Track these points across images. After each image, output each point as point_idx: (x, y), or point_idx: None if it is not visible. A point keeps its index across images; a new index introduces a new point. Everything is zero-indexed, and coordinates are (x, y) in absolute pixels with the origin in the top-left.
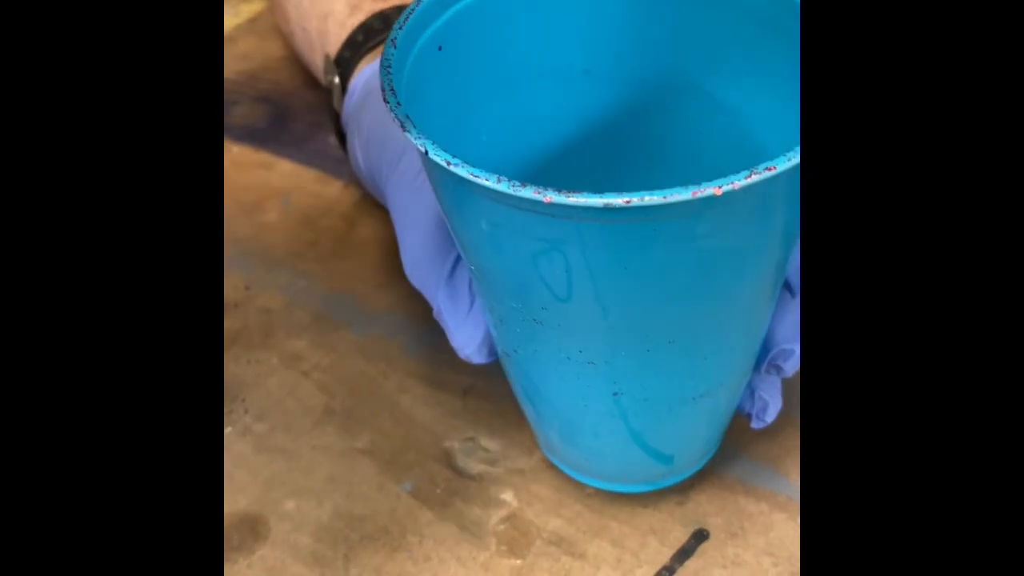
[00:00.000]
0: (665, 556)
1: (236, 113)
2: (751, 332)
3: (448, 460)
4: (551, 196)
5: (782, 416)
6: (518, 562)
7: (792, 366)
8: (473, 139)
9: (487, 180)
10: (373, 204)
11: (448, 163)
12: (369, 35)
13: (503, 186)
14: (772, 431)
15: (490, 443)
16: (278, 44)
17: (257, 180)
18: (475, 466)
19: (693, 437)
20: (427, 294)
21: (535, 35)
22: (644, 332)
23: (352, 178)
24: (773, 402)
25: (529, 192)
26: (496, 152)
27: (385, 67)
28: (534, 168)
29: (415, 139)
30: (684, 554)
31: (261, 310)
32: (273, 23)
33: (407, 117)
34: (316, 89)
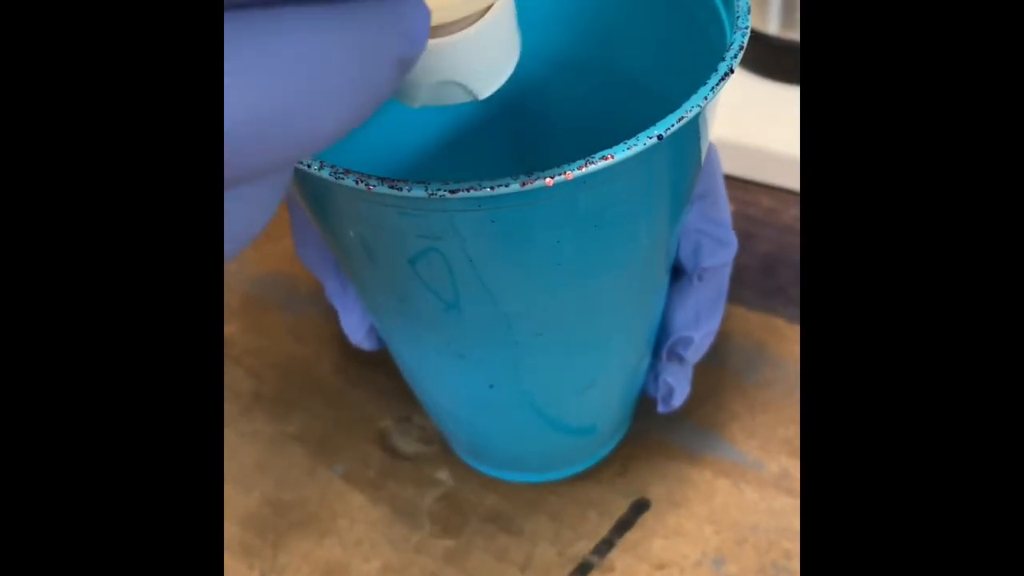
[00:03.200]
0: (604, 528)
1: None
2: (625, 326)
3: (382, 441)
4: (373, 185)
5: (728, 380)
6: (452, 542)
7: (693, 354)
8: (367, 139)
9: (309, 168)
10: None
11: None
12: None
13: (325, 172)
14: (718, 396)
15: (426, 421)
16: None
17: None
18: (410, 446)
19: (587, 426)
20: (318, 277)
21: None
22: (507, 324)
23: None
24: (679, 388)
25: (351, 181)
26: (406, 141)
27: None
28: (441, 150)
29: None
30: (624, 526)
31: None
32: None
33: None
34: None
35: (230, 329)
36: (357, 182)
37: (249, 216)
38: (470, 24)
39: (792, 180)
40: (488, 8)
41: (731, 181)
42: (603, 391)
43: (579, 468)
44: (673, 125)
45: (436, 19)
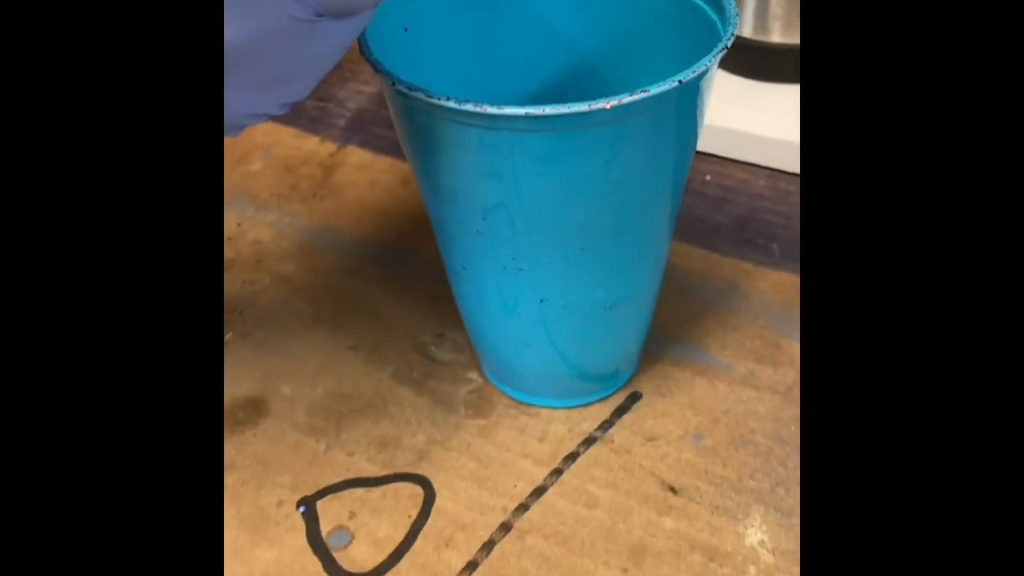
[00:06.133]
0: (606, 412)
1: None
2: (647, 252)
3: (422, 351)
4: (487, 108)
5: (706, 309)
6: (483, 421)
7: None
8: None
9: (438, 99)
10: (347, 154)
11: (410, 89)
12: None
13: (451, 102)
14: (697, 320)
15: (457, 336)
16: None
17: (242, 137)
18: (445, 354)
19: (612, 346)
20: None
21: (489, 28)
22: (561, 237)
23: (328, 133)
24: None
25: (470, 106)
26: None
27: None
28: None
29: (384, 76)
30: (621, 411)
31: (252, 242)
32: None
33: (378, 61)
34: None
35: (288, 268)
36: (475, 107)
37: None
38: None
39: (760, 156)
40: None
41: (711, 158)
42: (625, 312)
43: (588, 400)
44: (688, 76)
45: None
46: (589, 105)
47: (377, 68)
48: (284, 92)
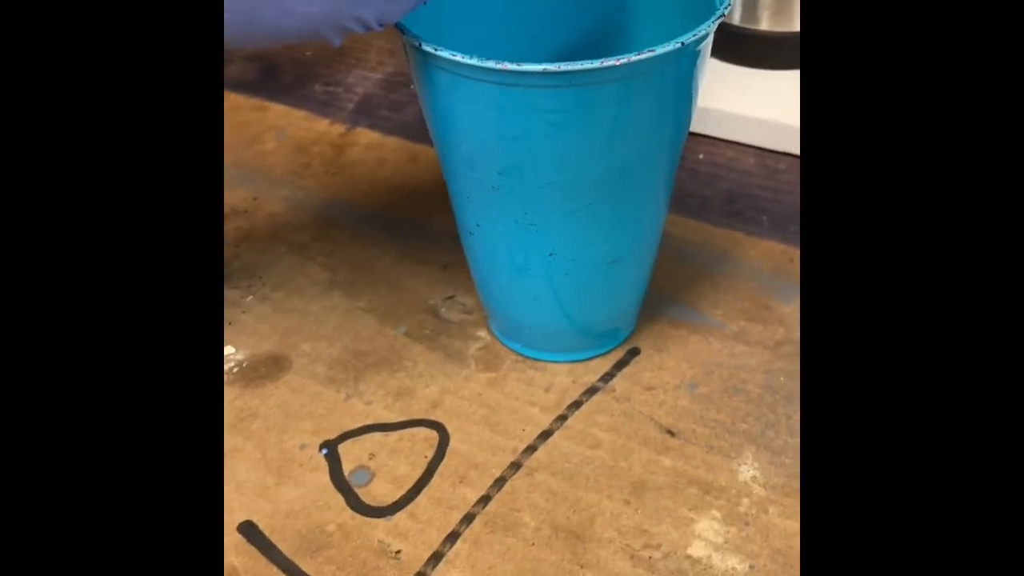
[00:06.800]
0: (607, 366)
1: (230, 71)
2: (648, 210)
3: (433, 312)
4: (507, 65)
5: (700, 274)
6: (492, 374)
7: None
8: None
9: (464, 58)
10: (356, 135)
11: (435, 49)
12: None
13: (474, 60)
14: (692, 284)
15: (466, 300)
16: None
17: (254, 119)
18: (455, 316)
19: (613, 301)
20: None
21: (500, 4)
22: (571, 193)
23: (337, 116)
24: None
25: (492, 63)
26: None
27: None
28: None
29: (410, 37)
30: (622, 364)
31: (268, 214)
32: None
33: (404, 26)
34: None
35: (304, 237)
36: (496, 64)
37: None
38: None
39: (749, 136)
40: None
41: (704, 138)
42: (626, 268)
43: (591, 354)
44: (689, 39)
45: None
46: (601, 62)
47: (404, 31)
48: (386, 8)
